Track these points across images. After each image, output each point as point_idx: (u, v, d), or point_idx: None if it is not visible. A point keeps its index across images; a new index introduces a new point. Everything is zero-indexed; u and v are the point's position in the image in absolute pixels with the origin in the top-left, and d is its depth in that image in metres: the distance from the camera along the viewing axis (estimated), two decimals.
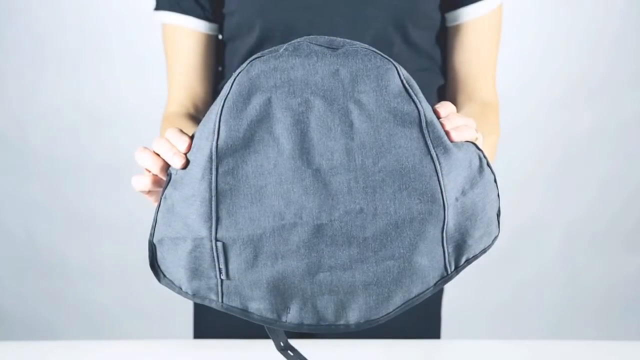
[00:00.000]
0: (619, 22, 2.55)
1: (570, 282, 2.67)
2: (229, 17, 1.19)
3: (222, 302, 0.88)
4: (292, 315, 0.89)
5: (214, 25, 1.22)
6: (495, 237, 0.96)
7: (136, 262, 2.62)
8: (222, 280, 0.87)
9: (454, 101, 1.25)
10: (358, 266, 0.86)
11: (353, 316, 0.89)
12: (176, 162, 0.84)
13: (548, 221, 2.64)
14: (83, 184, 2.58)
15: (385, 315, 0.89)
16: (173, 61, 1.24)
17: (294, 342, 1.15)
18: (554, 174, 2.62)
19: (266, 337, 1.16)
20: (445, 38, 1.24)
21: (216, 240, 0.85)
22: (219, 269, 0.87)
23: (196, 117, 1.22)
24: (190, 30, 1.21)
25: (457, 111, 1.17)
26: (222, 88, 1.24)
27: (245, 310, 0.89)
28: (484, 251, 0.95)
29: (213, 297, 0.88)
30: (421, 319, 1.30)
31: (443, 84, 1.25)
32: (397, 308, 0.90)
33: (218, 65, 1.26)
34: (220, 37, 1.25)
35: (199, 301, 0.88)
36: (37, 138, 2.57)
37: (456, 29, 1.22)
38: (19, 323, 2.63)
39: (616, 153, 2.62)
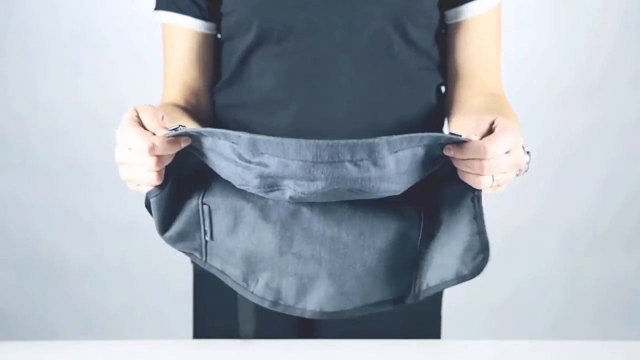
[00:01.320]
0: (619, 22, 2.55)
1: (570, 282, 2.67)
2: (227, 16, 1.19)
3: (206, 261, 0.98)
4: (258, 289, 0.96)
5: (211, 25, 1.22)
6: None
7: (136, 262, 2.62)
8: (206, 241, 0.97)
9: (457, 97, 1.23)
10: (324, 261, 0.94)
11: (311, 304, 0.95)
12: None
13: (548, 222, 2.64)
14: (83, 184, 2.58)
15: (340, 311, 0.95)
16: (169, 60, 1.24)
17: (294, 342, 1.15)
18: (554, 175, 2.62)
19: (265, 337, 1.16)
20: (444, 35, 1.24)
21: (202, 203, 0.95)
22: (204, 230, 0.96)
23: (187, 109, 1.21)
24: (187, 29, 1.21)
25: (463, 106, 1.18)
26: (219, 89, 1.24)
27: (223, 272, 0.98)
28: None
29: (197, 255, 0.98)
30: (421, 319, 1.30)
31: (442, 82, 1.25)
32: (355, 309, 0.95)
33: (216, 63, 1.26)
34: (218, 36, 1.25)
35: (185, 253, 0.99)
36: (37, 138, 2.57)
37: (457, 26, 1.21)
38: (19, 323, 2.63)
39: (616, 153, 2.62)
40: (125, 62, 2.52)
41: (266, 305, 0.96)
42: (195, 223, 0.96)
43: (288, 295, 0.95)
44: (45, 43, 2.51)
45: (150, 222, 2.85)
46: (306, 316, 0.95)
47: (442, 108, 1.27)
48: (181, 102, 1.21)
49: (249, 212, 0.93)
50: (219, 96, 1.26)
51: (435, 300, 1.33)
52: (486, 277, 2.95)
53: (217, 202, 0.94)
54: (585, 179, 2.62)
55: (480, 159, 0.84)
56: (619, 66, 2.56)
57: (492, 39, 1.22)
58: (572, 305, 2.68)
